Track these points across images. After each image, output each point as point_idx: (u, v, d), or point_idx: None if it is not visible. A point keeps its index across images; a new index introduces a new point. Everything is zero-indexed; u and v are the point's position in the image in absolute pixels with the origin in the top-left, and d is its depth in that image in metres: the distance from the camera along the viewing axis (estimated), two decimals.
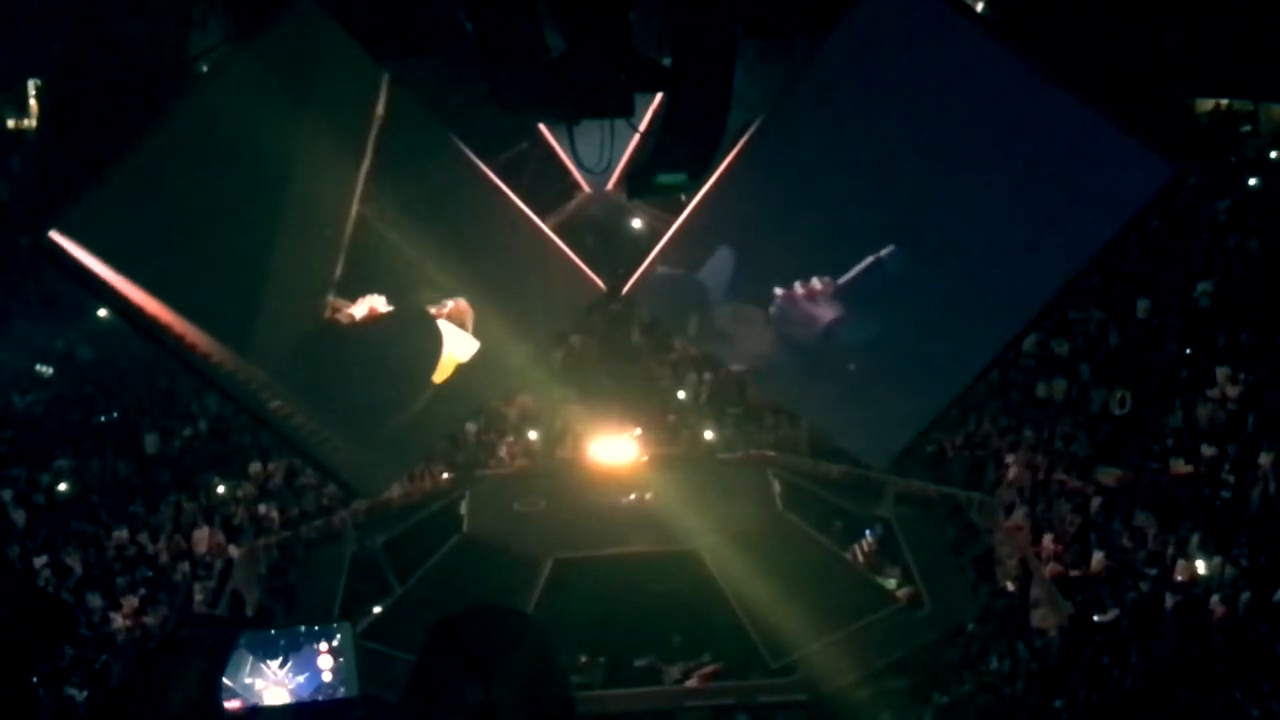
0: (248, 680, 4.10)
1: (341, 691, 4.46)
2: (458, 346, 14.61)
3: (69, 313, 22.87)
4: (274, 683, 4.30)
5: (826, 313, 13.86)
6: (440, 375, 14.64)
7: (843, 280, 13.68)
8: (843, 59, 13.36)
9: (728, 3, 10.83)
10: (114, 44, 12.21)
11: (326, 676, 4.45)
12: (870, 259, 13.49)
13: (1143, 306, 21.59)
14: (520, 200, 14.79)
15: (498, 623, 2.54)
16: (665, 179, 11.69)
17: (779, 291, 14.05)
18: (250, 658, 4.08)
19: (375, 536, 19.73)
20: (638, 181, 12.50)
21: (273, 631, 4.41)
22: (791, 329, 14.18)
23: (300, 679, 4.34)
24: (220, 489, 20.60)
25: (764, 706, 15.93)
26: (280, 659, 4.27)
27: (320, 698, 4.47)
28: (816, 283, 13.81)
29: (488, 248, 14.77)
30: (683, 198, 14.85)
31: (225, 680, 2.66)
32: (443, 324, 14.54)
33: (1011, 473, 19.87)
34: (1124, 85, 13.12)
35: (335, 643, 4.35)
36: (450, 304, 14.52)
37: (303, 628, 4.43)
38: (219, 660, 2.59)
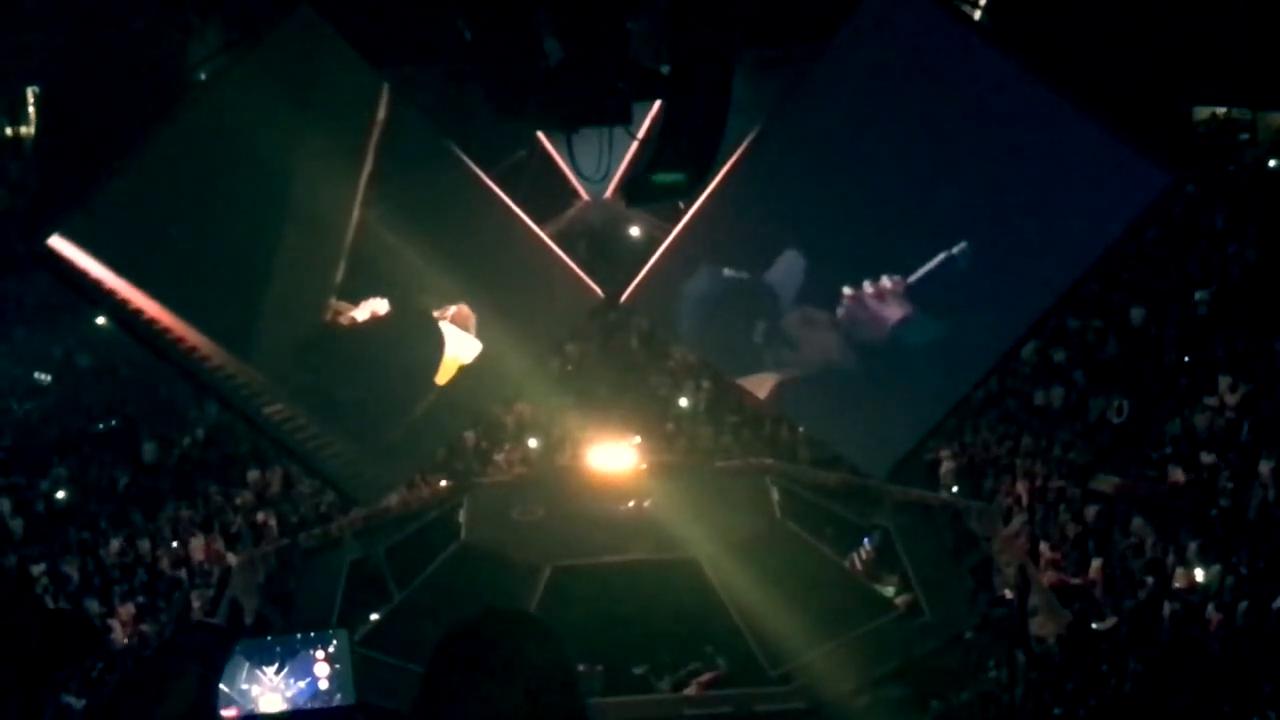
0: (244, 686, 4.09)
1: (338, 698, 4.45)
2: (460, 347, 14.63)
3: (67, 320, 22.86)
4: (270, 689, 4.29)
5: (895, 312, 13.73)
6: (443, 376, 14.66)
7: (913, 278, 13.55)
8: (840, 67, 13.38)
9: (726, 11, 10.84)
10: (112, 52, 12.25)
11: (323, 684, 4.45)
12: (942, 255, 13.37)
13: (1140, 314, 21.59)
14: (518, 208, 14.82)
15: (506, 629, 2.52)
16: (662, 178, 11.68)
17: (847, 291, 13.89)
18: (246, 664, 4.07)
19: (374, 544, 19.70)
20: (635, 189, 12.52)
21: (269, 638, 4.40)
22: (859, 330, 14.01)
23: (297, 686, 4.33)
24: (218, 497, 20.57)
25: (762, 715, 15.90)
26: (277, 665, 4.26)
27: (317, 705, 4.46)
28: (886, 281, 13.66)
29: (486, 255, 14.79)
30: (681, 205, 14.86)
31: (222, 687, 2.66)
32: (445, 325, 14.56)
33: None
34: (1122, 93, 13.15)
35: (332, 649, 4.35)
36: (453, 309, 14.55)
37: (299, 634, 4.43)
38: (213, 668, 2.59)
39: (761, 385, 15.27)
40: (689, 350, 15.07)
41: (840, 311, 14.02)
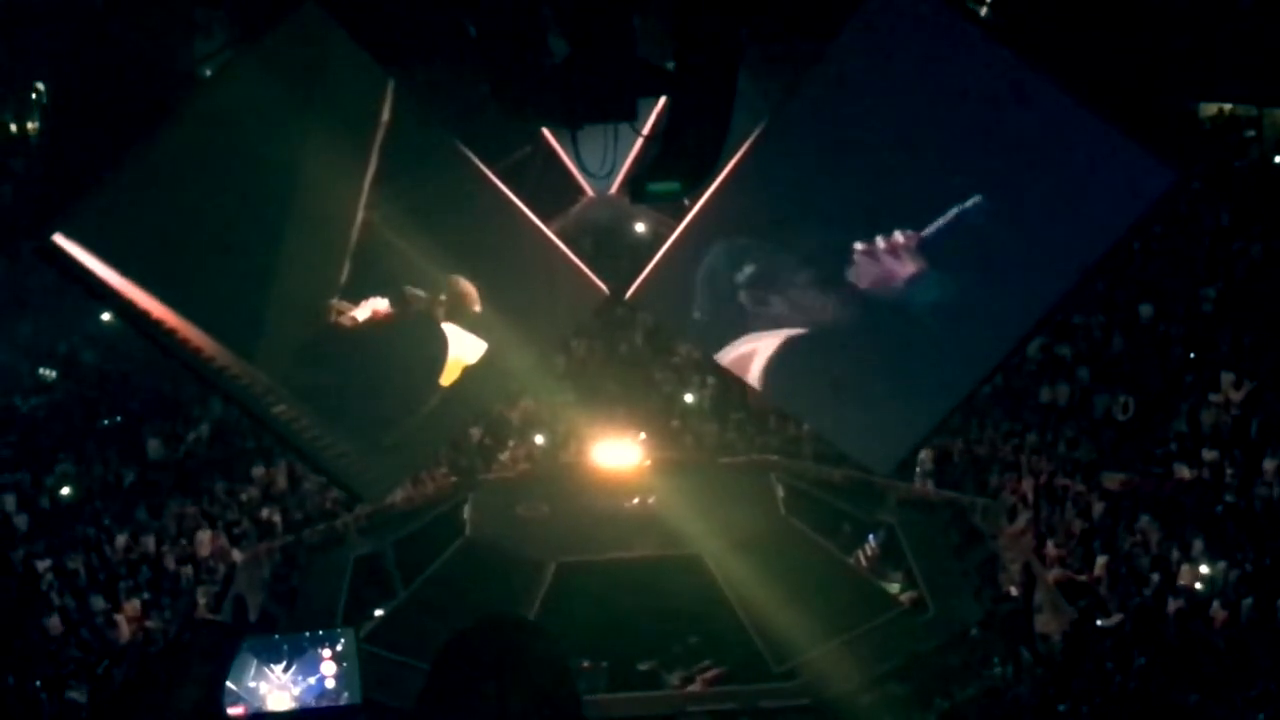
0: (251, 684, 4.09)
1: (345, 696, 4.47)
2: (464, 349, 14.60)
3: (72, 316, 22.89)
4: (278, 687, 4.30)
5: (907, 268, 13.56)
6: (447, 378, 14.63)
7: (926, 232, 13.39)
8: (846, 64, 13.37)
9: (732, 7, 10.83)
10: (118, 48, 12.25)
11: (330, 682, 4.46)
12: (955, 210, 13.20)
13: (1146, 311, 21.58)
14: (524, 205, 14.81)
15: (507, 632, 2.56)
16: (657, 187, 11.68)
17: (859, 246, 13.71)
18: (255, 662, 4.07)
19: (379, 541, 19.72)
20: (640, 186, 12.50)
21: (276, 636, 4.41)
22: (870, 287, 13.83)
23: (305, 683, 4.34)
24: (223, 493, 20.59)
25: (767, 711, 15.88)
26: (284, 664, 4.27)
27: (324, 704, 4.47)
28: (899, 235, 13.49)
29: (491, 252, 14.78)
30: (685, 202, 14.85)
31: (229, 684, 2.67)
32: (449, 327, 14.54)
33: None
34: (1128, 90, 13.13)
35: (339, 648, 4.35)
36: (449, 287, 14.43)
37: (307, 633, 4.44)
38: (220, 665, 2.60)
39: (770, 340, 15.07)
40: (692, 307, 14.79)
41: (852, 267, 13.85)
